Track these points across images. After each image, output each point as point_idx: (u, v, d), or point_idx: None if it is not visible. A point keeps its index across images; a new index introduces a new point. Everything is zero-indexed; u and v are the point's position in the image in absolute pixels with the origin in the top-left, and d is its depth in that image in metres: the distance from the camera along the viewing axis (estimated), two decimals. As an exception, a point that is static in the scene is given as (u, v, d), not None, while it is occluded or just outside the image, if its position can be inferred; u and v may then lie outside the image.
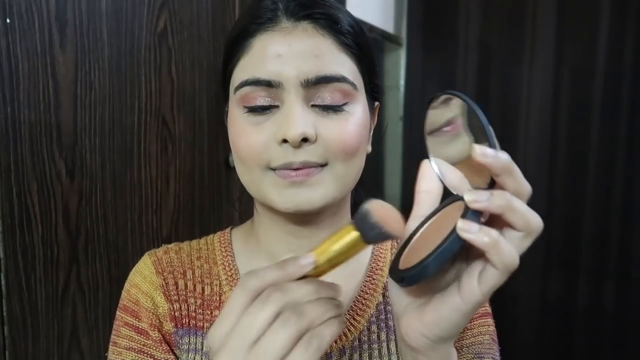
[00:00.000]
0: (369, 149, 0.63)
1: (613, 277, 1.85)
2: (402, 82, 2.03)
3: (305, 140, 0.53)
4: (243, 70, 0.56)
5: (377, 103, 0.64)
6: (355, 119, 0.56)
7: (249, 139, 0.55)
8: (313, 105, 0.55)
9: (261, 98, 0.55)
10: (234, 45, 0.57)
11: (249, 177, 0.57)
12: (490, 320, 0.66)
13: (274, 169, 0.55)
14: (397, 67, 2.03)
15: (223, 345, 0.41)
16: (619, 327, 1.85)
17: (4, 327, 0.89)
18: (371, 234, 0.43)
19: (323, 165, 0.55)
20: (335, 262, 0.44)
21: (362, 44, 0.58)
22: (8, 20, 0.86)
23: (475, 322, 0.65)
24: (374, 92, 0.62)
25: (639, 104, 1.79)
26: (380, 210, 0.43)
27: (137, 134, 1.06)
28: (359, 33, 0.58)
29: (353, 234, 0.43)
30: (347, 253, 0.44)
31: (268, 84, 0.54)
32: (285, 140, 0.53)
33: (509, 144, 1.93)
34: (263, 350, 0.39)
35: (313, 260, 0.43)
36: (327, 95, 0.55)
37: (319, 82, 0.54)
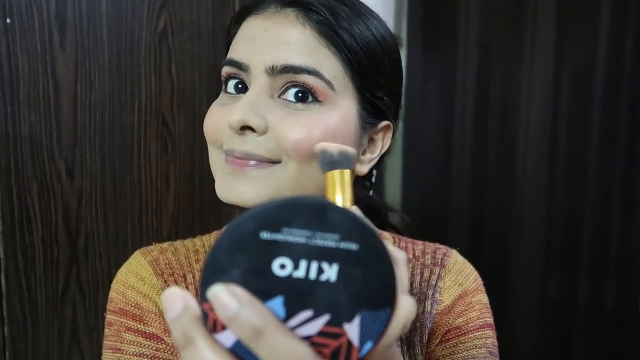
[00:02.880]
0: (362, 170, 0.57)
1: (613, 277, 1.85)
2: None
3: (251, 130, 0.50)
4: (229, 51, 0.55)
5: (385, 122, 0.58)
6: (324, 121, 0.51)
7: (211, 117, 0.55)
8: (280, 97, 0.52)
9: (240, 86, 0.53)
10: (231, 27, 0.57)
11: (210, 156, 0.56)
12: (490, 332, 0.62)
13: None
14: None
15: None
16: (619, 327, 1.85)
17: (4, 327, 0.89)
18: (344, 163, 0.45)
19: (275, 161, 0.51)
20: (347, 206, 0.44)
21: (363, 49, 0.53)
22: (8, 20, 0.86)
23: (469, 335, 0.61)
24: (376, 105, 0.56)
25: (639, 104, 1.79)
26: (328, 145, 0.46)
27: (137, 134, 1.06)
28: (363, 38, 0.53)
29: (335, 175, 0.44)
30: (344, 191, 0.44)
31: (238, 66, 0.52)
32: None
33: (509, 144, 1.94)
34: None
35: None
36: (301, 95, 0.51)
37: (285, 71, 0.50)
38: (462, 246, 0.70)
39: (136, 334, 0.57)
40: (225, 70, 0.54)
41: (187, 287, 0.60)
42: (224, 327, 0.28)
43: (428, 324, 0.62)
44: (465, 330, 0.62)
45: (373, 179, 0.67)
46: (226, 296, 0.27)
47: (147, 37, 1.06)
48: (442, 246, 0.68)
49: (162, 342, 0.57)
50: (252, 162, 0.51)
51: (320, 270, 0.28)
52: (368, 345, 0.29)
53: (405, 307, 0.30)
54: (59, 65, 0.93)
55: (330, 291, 0.28)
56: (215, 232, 0.66)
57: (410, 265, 0.64)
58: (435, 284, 0.63)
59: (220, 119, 0.53)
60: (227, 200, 0.52)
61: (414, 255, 0.65)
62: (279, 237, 0.27)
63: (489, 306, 0.65)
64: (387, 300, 0.29)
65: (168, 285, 0.59)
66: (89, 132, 0.99)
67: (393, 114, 0.59)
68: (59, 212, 0.95)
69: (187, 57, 1.14)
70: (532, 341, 1.94)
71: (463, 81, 1.98)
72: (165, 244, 0.65)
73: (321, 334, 0.28)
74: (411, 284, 0.63)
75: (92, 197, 1.00)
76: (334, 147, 0.47)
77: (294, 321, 0.28)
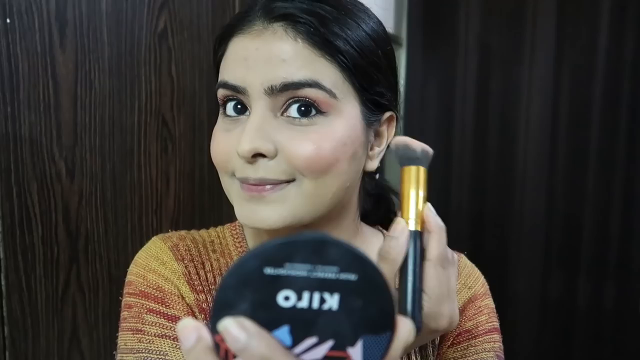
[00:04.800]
0: (373, 165, 0.57)
1: (613, 277, 1.85)
2: (402, 82, 2.03)
3: (262, 156, 0.50)
4: (221, 72, 0.54)
5: (389, 113, 0.58)
6: (331, 133, 0.50)
7: (218, 145, 0.54)
8: (283, 115, 0.51)
9: (239, 106, 0.53)
10: (217, 46, 0.56)
11: (222, 183, 0.56)
12: (497, 336, 0.64)
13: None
14: (397, 67, 2.03)
15: None
16: (619, 327, 1.85)
17: (4, 327, 0.89)
18: (424, 161, 0.46)
19: (290, 181, 0.51)
20: (420, 204, 0.45)
21: (358, 50, 0.52)
22: (8, 20, 0.86)
23: (479, 339, 0.63)
24: (377, 101, 0.56)
25: (639, 104, 1.79)
26: (410, 141, 0.47)
27: (137, 134, 1.06)
28: (355, 38, 0.52)
29: (414, 171, 0.45)
30: (421, 187, 0.46)
31: (234, 89, 0.52)
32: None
33: (509, 144, 1.94)
34: None
35: (406, 227, 0.43)
36: (304, 109, 0.50)
37: (285, 88, 0.49)
38: (462, 246, 0.70)
39: (158, 316, 0.57)
40: (222, 92, 0.53)
41: (205, 274, 0.60)
42: (234, 356, 0.30)
43: None
44: (475, 334, 0.63)
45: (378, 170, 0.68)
46: (235, 329, 0.29)
47: (147, 37, 1.06)
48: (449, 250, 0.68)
49: None
50: (268, 187, 0.51)
51: (322, 300, 0.30)
52: None
53: (404, 330, 0.32)
54: (59, 65, 0.93)
55: (333, 319, 0.30)
56: (229, 224, 0.66)
57: None
58: None
59: (228, 147, 0.53)
60: (251, 225, 0.53)
61: None
62: (281, 272, 0.30)
63: (495, 311, 0.66)
64: (387, 324, 0.31)
65: (189, 271, 0.59)
66: (89, 132, 0.99)
67: (394, 104, 0.59)
68: (59, 212, 0.95)
69: (187, 57, 1.14)
70: (532, 341, 1.94)
71: (463, 81, 1.98)
72: (183, 232, 0.65)
73: (327, 358, 0.31)
74: None
75: (92, 197, 1.00)
76: (417, 144, 0.47)
77: (300, 347, 0.30)
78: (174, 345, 0.55)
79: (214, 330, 0.30)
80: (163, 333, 0.56)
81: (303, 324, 0.30)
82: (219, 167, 0.54)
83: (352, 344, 0.31)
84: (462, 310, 0.63)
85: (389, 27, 2.03)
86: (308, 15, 0.51)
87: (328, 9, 0.52)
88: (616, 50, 1.79)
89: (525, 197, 1.89)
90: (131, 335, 0.57)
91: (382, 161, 0.60)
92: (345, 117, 0.52)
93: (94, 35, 0.97)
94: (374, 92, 0.55)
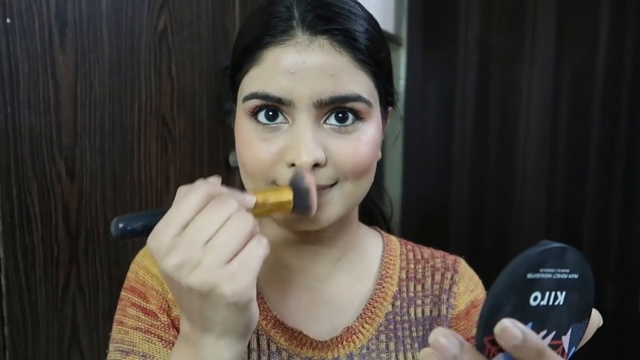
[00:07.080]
0: (379, 155, 0.61)
1: (613, 277, 1.85)
2: (402, 82, 2.04)
3: (315, 165, 0.52)
4: (253, 82, 0.53)
5: (390, 108, 0.62)
6: (368, 138, 0.54)
7: (257, 153, 0.53)
8: (325, 123, 0.53)
9: (271, 113, 0.53)
10: (245, 54, 0.54)
11: (254, 190, 0.56)
12: None
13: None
14: (397, 67, 2.03)
15: (174, 246, 0.42)
16: (619, 327, 1.85)
17: (4, 327, 0.89)
18: (300, 207, 0.49)
19: (332, 184, 0.54)
20: (264, 212, 0.49)
21: (380, 56, 0.55)
22: (8, 20, 0.86)
23: None
24: (388, 99, 0.60)
25: (639, 104, 1.79)
26: (313, 188, 0.50)
27: (137, 134, 1.06)
28: (377, 45, 0.55)
29: (288, 199, 0.49)
30: (273, 210, 0.49)
31: (278, 101, 0.52)
32: (294, 164, 0.51)
33: (509, 143, 1.94)
34: (221, 243, 0.41)
35: (254, 202, 0.47)
36: (341, 115, 0.53)
37: (333, 102, 0.52)
38: (462, 246, 0.70)
39: (138, 310, 0.60)
40: (258, 102, 0.53)
41: None
42: (494, 355, 0.35)
43: (445, 325, 0.64)
44: None
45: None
46: (514, 328, 0.33)
47: (147, 37, 1.06)
48: (448, 254, 0.70)
49: (158, 319, 0.60)
50: (318, 192, 0.53)
51: (555, 297, 0.35)
52: (572, 350, 0.38)
53: (594, 317, 0.38)
54: (59, 65, 0.93)
55: (558, 312, 0.36)
56: None
57: (420, 266, 0.67)
58: (450, 288, 0.66)
59: (271, 155, 0.53)
60: (302, 229, 0.55)
61: (422, 257, 0.68)
62: (537, 276, 0.34)
63: None
64: (587, 313, 0.37)
65: None
66: (89, 132, 0.99)
67: (393, 100, 0.63)
68: (59, 212, 0.95)
69: (187, 57, 1.14)
70: (532, 341, 1.94)
71: (463, 81, 1.98)
72: None
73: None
74: (422, 285, 0.65)
75: (92, 197, 1.00)
76: (309, 197, 0.50)
77: None
78: (145, 337, 0.59)
79: (485, 332, 0.34)
80: (137, 326, 0.59)
81: (540, 320, 0.35)
82: (255, 175, 0.54)
83: (565, 333, 0.36)
84: (467, 314, 0.65)
85: (389, 27, 2.03)
86: (347, 29, 0.52)
87: (354, 17, 0.54)
88: (616, 50, 1.79)
89: (525, 196, 1.90)
90: (115, 327, 0.61)
91: (378, 178, 0.62)
92: (375, 120, 0.56)
93: (94, 35, 0.97)
94: (388, 93, 0.59)
